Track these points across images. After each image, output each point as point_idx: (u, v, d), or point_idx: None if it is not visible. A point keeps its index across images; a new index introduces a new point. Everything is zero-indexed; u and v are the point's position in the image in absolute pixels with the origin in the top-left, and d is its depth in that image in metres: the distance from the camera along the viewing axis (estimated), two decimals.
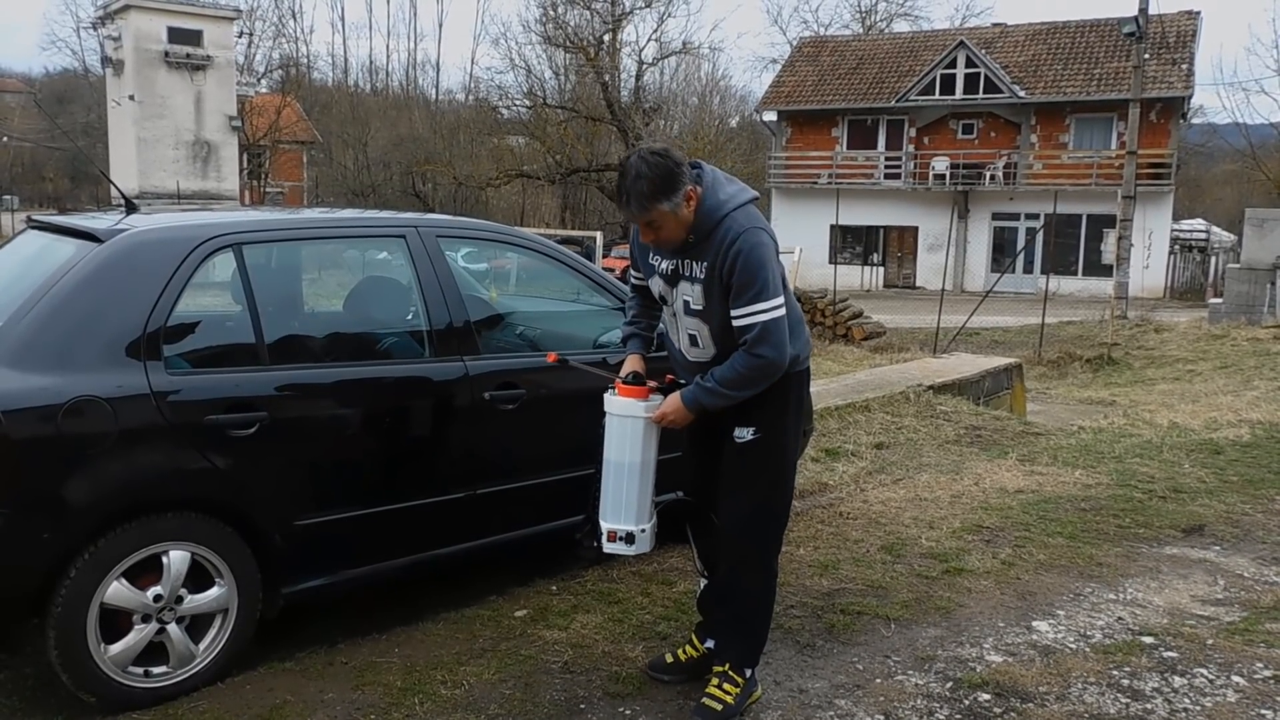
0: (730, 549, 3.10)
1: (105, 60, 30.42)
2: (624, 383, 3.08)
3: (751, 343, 2.86)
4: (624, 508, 3.07)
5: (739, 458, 3.03)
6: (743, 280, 2.84)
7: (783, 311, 2.87)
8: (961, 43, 32.29)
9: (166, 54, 28.88)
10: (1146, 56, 24.81)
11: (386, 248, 4.32)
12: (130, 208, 3.73)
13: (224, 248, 3.43)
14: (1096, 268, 30.18)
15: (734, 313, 2.87)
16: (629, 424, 3.05)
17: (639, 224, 2.92)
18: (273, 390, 3.38)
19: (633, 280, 3.36)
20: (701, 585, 3.38)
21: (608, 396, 3.10)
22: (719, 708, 3.03)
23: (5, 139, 44.91)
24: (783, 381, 3.00)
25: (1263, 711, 3.16)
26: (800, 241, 23.69)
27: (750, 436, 3.00)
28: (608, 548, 3.13)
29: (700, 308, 2.97)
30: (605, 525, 3.11)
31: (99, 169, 33.47)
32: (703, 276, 2.92)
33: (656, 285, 3.10)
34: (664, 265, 3.03)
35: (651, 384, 3.14)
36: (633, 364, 3.17)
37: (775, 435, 3.03)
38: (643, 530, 3.09)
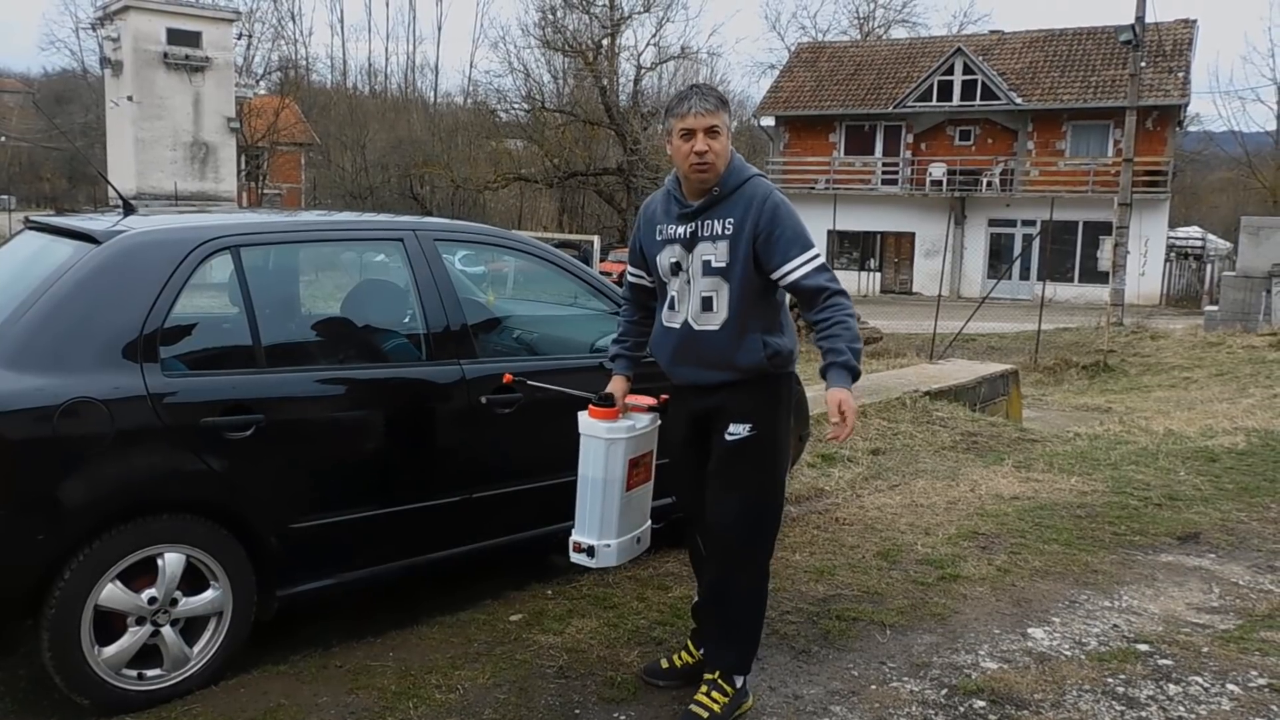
0: (721, 551, 3.06)
1: (104, 61, 30.41)
2: (594, 404, 3.18)
3: (829, 282, 2.93)
4: (588, 521, 3.21)
5: (732, 456, 3.00)
6: (790, 232, 2.93)
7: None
8: (959, 49, 32.38)
9: (165, 55, 28.89)
10: (1143, 64, 24.86)
11: (384, 250, 4.32)
12: (128, 209, 3.73)
13: (221, 250, 3.43)
14: (1093, 274, 30.24)
15: (792, 265, 2.92)
16: (592, 443, 3.18)
17: (700, 129, 2.90)
18: (269, 393, 3.38)
19: (629, 278, 3.32)
20: (697, 594, 3.38)
21: (580, 415, 3.20)
22: (705, 715, 3.00)
23: (3, 139, 44.90)
24: (774, 379, 3.02)
25: None
26: None
27: (745, 433, 2.98)
28: (572, 557, 3.28)
29: (724, 264, 2.97)
30: (573, 535, 3.25)
31: (97, 170, 33.45)
32: (729, 232, 2.95)
33: (668, 256, 3.06)
34: (680, 230, 3.04)
35: (649, 401, 3.25)
36: (613, 384, 3.25)
37: (769, 431, 3.01)
38: (606, 545, 3.19)
